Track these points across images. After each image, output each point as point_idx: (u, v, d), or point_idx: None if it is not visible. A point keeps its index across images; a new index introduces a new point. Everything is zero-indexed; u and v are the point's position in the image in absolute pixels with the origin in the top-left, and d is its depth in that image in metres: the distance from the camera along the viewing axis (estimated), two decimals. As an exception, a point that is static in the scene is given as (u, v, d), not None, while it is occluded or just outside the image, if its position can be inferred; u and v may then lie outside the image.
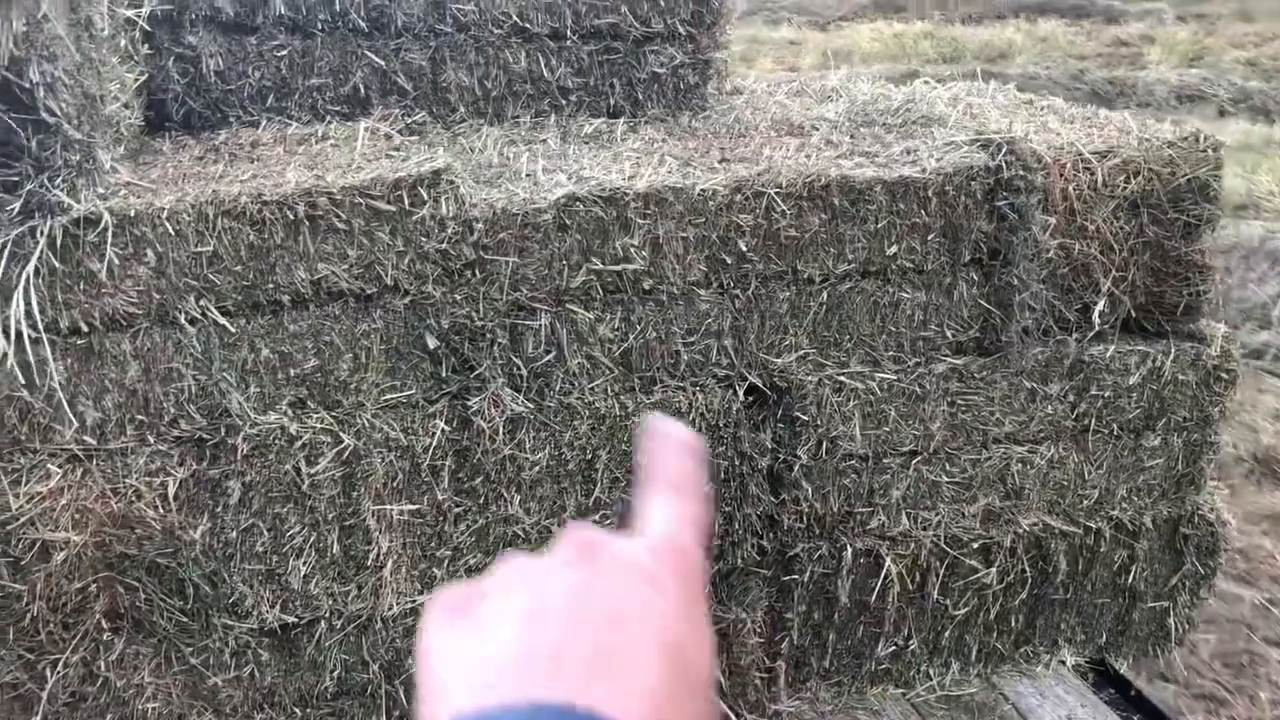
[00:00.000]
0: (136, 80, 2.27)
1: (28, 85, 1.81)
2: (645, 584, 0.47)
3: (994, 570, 2.74)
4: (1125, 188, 2.49)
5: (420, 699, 0.46)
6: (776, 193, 2.27)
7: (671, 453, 0.54)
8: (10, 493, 2.05)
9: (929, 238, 2.39)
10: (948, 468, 2.63)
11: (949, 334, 2.52)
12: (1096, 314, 2.55)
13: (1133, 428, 2.72)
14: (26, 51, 1.80)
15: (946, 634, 2.83)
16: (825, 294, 2.41)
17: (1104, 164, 2.48)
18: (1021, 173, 2.39)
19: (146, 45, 2.35)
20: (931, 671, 2.88)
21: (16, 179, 1.86)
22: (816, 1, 14.09)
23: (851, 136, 2.63)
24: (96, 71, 2.00)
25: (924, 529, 2.66)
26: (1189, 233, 2.57)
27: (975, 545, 2.71)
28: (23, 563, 2.09)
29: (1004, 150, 2.41)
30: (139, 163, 2.21)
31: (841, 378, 2.47)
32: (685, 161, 2.39)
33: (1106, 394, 2.64)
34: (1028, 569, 2.78)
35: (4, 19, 1.78)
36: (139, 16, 2.25)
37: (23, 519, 2.06)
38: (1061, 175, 2.46)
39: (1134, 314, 2.65)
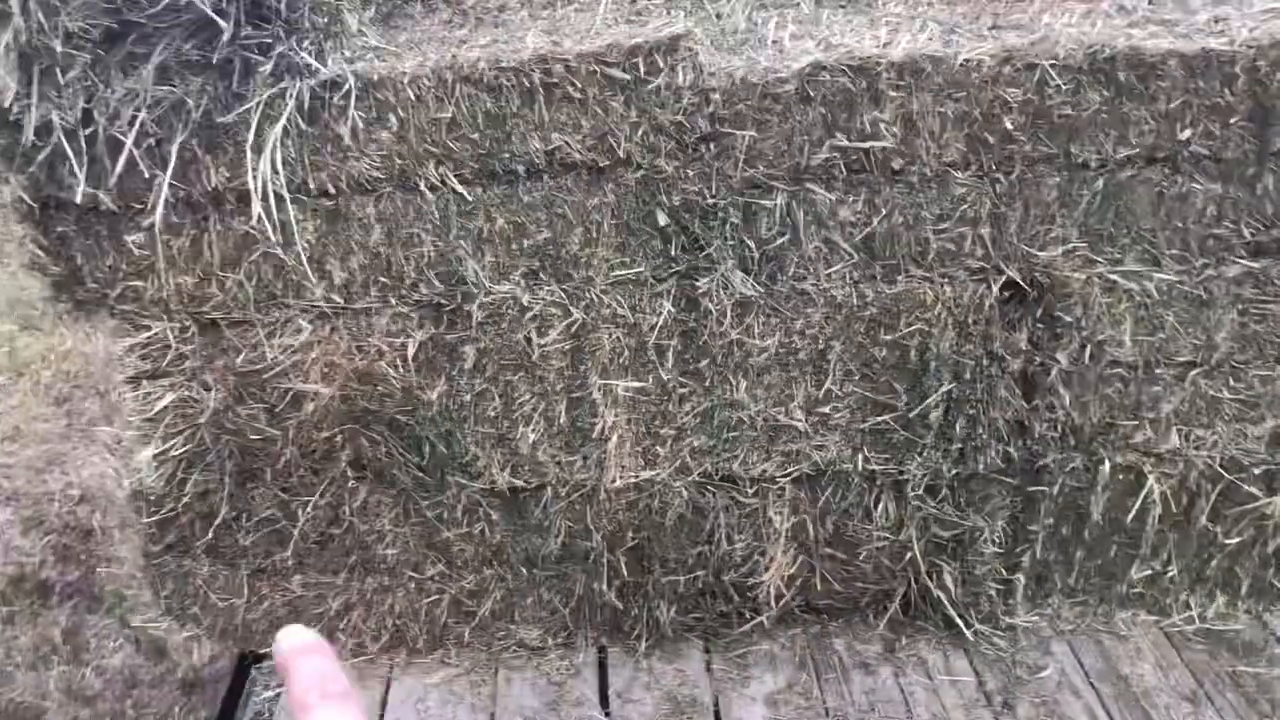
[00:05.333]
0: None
1: (278, -51, 1.85)
2: None
3: (1278, 500, 2.44)
4: None
5: None
6: (1051, 65, 2.02)
7: (303, 661, 0.52)
8: (267, 344, 2.19)
9: (1232, 121, 2.07)
10: (1231, 383, 2.34)
11: (1246, 233, 2.20)
12: None
13: None
14: (278, -85, 1.83)
15: (1213, 564, 2.57)
16: (1101, 181, 2.15)
17: None
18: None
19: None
20: (1192, 602, 2.63)
21: (269, 41, 1.92)
22: None
23: (1151, 1, 2.30)
24: (347, -66, 2.02)
25: (1197, 448, 2.40)
26: None
27: (1258, 471, 2.41)
28: (277, 410, 2.24)
29: (1339, 17, 2.04)
30: (389, 26, 2.24)
31: (1114, 276, 2.22)
32: (950, 28, 2.16)
33: None
34: (1321, 502, 2.46)
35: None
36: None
37: (277, 369, 2.20)
38: None
39: None
